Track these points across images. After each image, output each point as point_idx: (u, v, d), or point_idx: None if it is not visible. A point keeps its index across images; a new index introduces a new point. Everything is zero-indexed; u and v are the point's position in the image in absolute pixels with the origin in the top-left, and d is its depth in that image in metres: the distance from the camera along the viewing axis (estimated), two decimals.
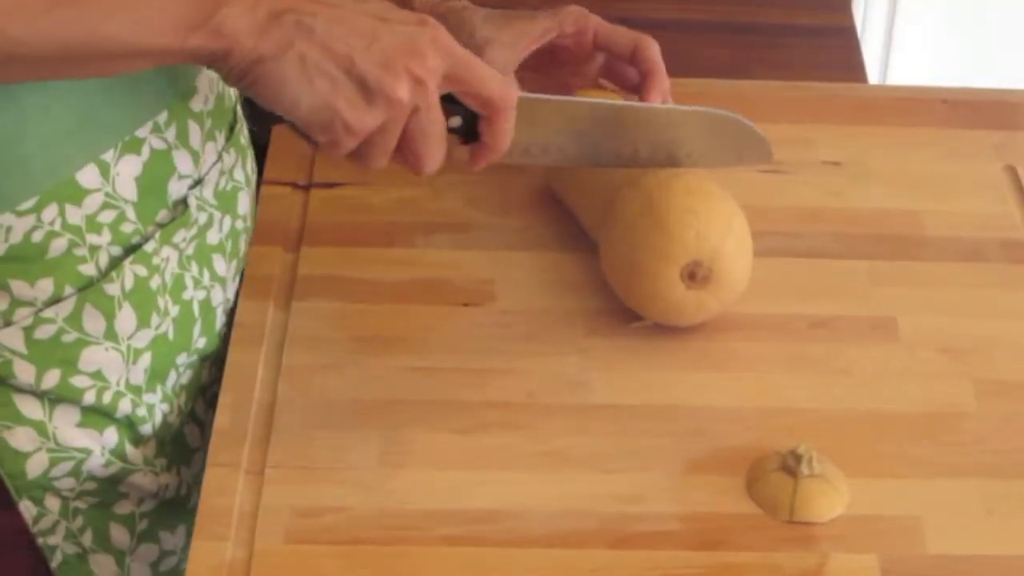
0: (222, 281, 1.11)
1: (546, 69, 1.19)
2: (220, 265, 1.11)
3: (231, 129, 1.12)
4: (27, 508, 1.04)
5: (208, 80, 1.07)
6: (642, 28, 1.17)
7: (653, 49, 1.16)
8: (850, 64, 1.59)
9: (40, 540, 1.06)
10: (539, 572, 0.95)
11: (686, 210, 1.06)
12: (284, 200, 1.21)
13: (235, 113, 1.14)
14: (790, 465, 0.99)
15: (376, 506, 0.98)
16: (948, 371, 1.09)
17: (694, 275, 1.06)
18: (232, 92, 1.13)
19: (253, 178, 1.17)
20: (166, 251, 1.05)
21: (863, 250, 1.19)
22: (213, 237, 1.09)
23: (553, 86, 1.18)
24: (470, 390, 1.06)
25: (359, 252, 1.17)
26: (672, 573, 0.95)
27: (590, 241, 1.17)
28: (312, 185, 1.23)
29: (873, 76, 2.03)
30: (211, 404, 1.14)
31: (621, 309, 1.12)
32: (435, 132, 0.95)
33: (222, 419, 1.04)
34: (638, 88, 1.15)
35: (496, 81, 0.96)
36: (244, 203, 1.14)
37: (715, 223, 1.07)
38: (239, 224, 1.13)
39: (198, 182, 1.07)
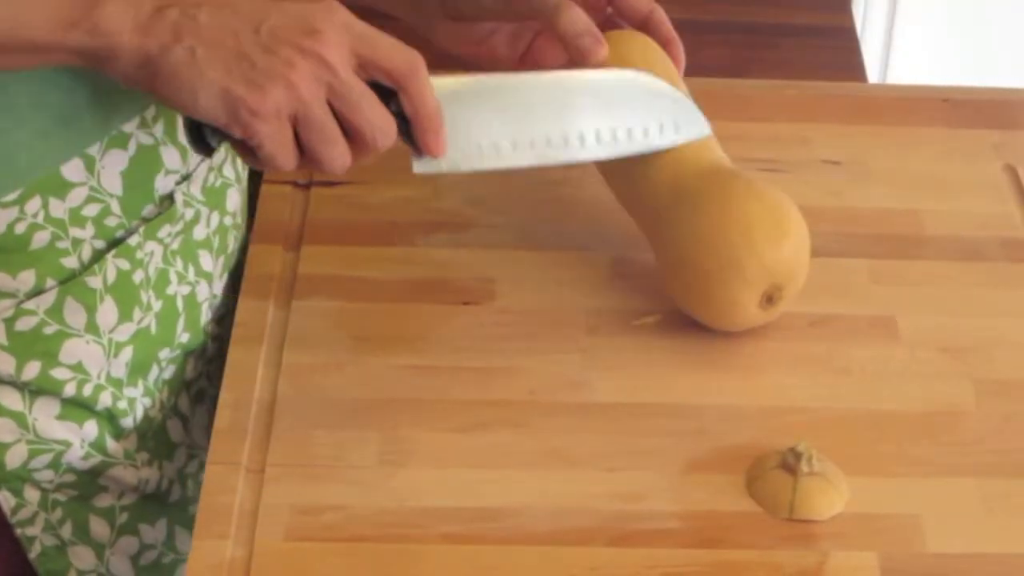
0: (208, 277, 1.11)
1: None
2: (206, 261, 1.11)
3: None
4: (5, 499, 1.04)
5: None
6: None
7: (667, 19, 1.14)
8: (850, 64, 1.59)
9: (19, 531, 1.05)
10: (539, 570, 0.95)
11: (799, 232, 1.07)
12: (284, 199, 1.21)
13: None
14: (790, 463, 0.99)
15: (376, 504, 0.98)
16: (948, 370, 1.09)
17: (771, 298, 1.06)
18: None
19: (244, 175, 1.16)
20: (150, 246, 1.05)
21: (863, 249, 1.19)
22: (200, 233, 1.09)
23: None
24: (470, 389, 1.06)
25: (359, 251, 1.17)
26: (672, 571, 0.95)
27: (591, 240, 1.17)
28: (312, 184, 1.23)
29: (873, 76, 2.03)
30: (195, 399, 1.14)
31: (622, 308, 1.12)
32: (366, 104, 0.93)
33: (222, 418, 1.04)
34: None
35: (398, 49, 0.94)
36: (233, 199, 1.14)
37: (806, 253, 1.08)
38: (227, 220, 1.13)
39: (186, 177, 1.07)
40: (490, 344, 1.10)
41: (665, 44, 1.14)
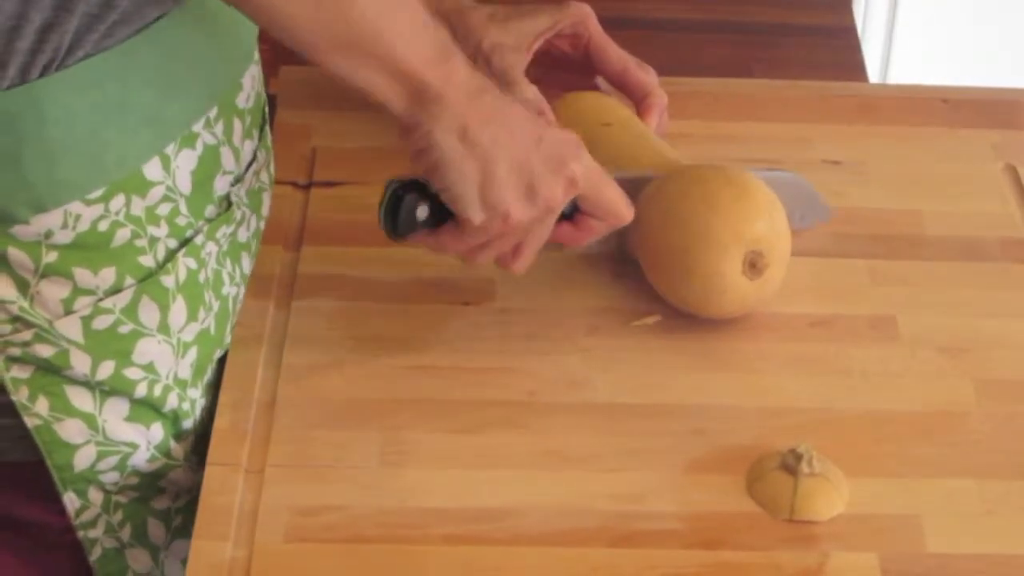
0: (246, 279, 1.12)
1: (548, 67, 1.20)
2: (246, 263, 1.12)
3: (261, 129, 1.13)
4: (71, 500, 1.04)
5: (251, 77, 1.09)
6: (642, 28, 1.17)
7: (640, 73, 1.18)
8: (850, 63, 1.59)
9: (81, 533, 1.06)
10: (539, 571, 0.95)
11: (768, 201, 1.08)
12: (285, 199, 1.21)
13: (264, 114, 1.14)
14: (790, 464, 0.99)
15: (376, 505, 0.98)
16: (948, 370, 1.09)
17: (755, 264, 1.06)
18: (263, 92, 1.14)
19: (272, 180, 1.17)
20: (210, 246, 1.06)
21: (863, 249, 1.19)
22: (243, 235, 1.10)
23: (556, 84, 1.19)
24: (470, 389, 1.06)
25: (359, 251, 1.17)
26: (672, 572, 0.95)
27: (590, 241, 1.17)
28: (312, 184, 1.23)
29: (873, 76, 2.03)
30: None
31: (622, 308, 1.12)
32: (545, 235, 1.04)
33: (222, 418, 1.04)
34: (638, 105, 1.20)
35: (623, 202, 1.05)
36: (266, 204, 1.15)
37: (778, 216, 1.09)
38: (262, 224, 1.14)
39: (239, 180, 1.08)
40: (490, 344, 1.10)
41: (639, 102, 1.21)
